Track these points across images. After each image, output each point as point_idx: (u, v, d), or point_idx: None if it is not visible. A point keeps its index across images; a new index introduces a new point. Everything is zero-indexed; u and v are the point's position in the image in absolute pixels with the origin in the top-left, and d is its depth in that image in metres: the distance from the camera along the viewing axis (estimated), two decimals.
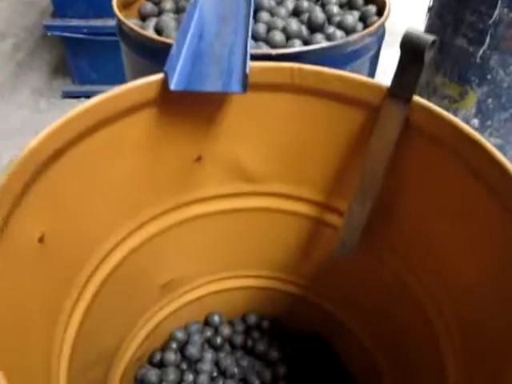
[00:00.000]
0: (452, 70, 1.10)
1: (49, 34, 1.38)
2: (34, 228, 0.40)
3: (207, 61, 0.49)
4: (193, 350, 0.69)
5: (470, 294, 0.45)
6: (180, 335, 0.71)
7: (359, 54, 0.69)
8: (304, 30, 0.73)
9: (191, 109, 0.48)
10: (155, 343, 0.70)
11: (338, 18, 0.77)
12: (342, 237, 0.54)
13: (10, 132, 1.37)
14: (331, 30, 0.74)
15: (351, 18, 0.76)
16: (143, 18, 0.82)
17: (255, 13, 0.76)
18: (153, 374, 0.65)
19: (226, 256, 0.67)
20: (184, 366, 0.68)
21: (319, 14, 0.74)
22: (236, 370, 0.68)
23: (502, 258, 0.40)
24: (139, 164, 0.49)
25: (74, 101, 1.51)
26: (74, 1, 1.34)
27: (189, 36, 0.52)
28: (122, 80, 0.46)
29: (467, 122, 1.06)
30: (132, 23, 0.69)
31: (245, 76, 0.45)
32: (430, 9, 1.12)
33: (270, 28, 0.74)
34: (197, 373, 0.67)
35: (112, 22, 0.90)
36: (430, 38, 0.41)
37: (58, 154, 0.40)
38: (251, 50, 0.50)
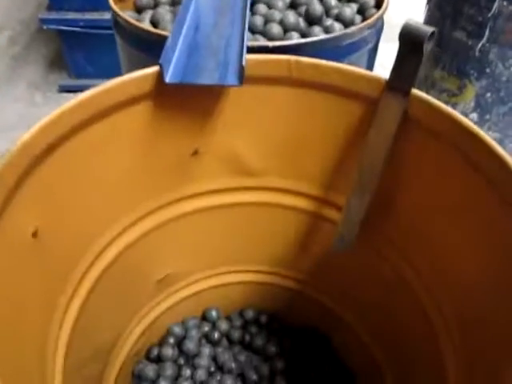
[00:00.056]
0: (451, 63, 1.09)
1: (44, 27, 1.37)
2: (27, 222, 0.39)
3: (203, 53, 0.48)
4: (190, 345, 0.68)
5: (469, 291, 0.45)
6: (177, 330, 0.71)
7: (357, 46, 0.68)
8: (301, 23, 0.73)
9: (187, 102, 0.47)
10: (152, 338, 0.69)
11: (335, 11, 0.77)
12: (341, 231, 0.53)
13: (5, 126, 1.36)
14: (329, 22, 0.73)
15: (349, 10, 0.75)
16: (139, 10, 0.81)
17: (252, 5, 0.76)
18: (150, 370, 0.65)
19: (223, 251, 0.67)
20: (181, 361, 0.68)
21: (317, 7, 0.74)
22: (233, 364, 0.67)
23: (501, 251, 0.40)
24: (135, 158, 0.48)
25: (70, 95, 1.50)
26: None
27: (185, 28, 0.51)
28: (118, 73, 0.45)
29: (466, 115, 1.06)
30: (127, 16, 0.68)
31: (241, 68, 0.44)
32: (429, 1, 1.11)
33: (267, 20, 0.73)
34: (194, 368, 0.67)
35: (108, 15, 0.89)
36: (429, 29, 0.40)
37: (51, 148, 0.39)
38: (248, 43, 0.49)
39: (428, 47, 0.41)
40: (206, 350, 0.69)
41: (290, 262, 0.68)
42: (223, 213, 0.61)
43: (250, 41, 0.67)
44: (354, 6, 0.80)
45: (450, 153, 0.42)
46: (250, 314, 0.75)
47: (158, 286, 0.64)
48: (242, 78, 0.44)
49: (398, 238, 0.53)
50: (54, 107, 0.39)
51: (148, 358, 0.69)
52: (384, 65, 0.85)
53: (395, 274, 0.54)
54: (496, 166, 0.38)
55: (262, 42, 0.69)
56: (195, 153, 0.52)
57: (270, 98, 0.50)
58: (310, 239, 0.63)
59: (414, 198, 0.49)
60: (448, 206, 0.45)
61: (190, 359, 0.68)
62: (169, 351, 0.68)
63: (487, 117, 1.11)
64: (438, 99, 0.43)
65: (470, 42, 1.03)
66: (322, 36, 0.66)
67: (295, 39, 0.68)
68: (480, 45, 1.02)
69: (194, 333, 0.71)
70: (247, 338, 0.72)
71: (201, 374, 0.65)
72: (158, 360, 0.68)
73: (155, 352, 0.69)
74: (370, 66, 0.78)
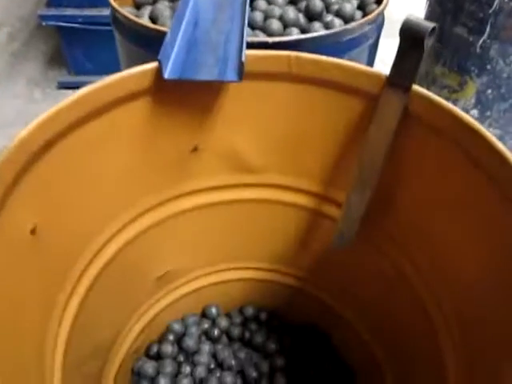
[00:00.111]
0: (451, 59, 1.09)
1: (43, 23, 1.37)
2: (25, 219, 0.39)
3: (202, 49, 0.48)
4: (190, 342, 0.68)
5: (469, 288, 0.44)
6: (177, 327, 0.71)
7: (358, 42, 0.68)
8: (301, 19, 0.72)
9: (186, 98, 0.47)
10: (152, 335, 0.69)
11: (336, 7, 0.76)
12: (341, 228, 0.53)
13: (4, 122, 1.35)
14: (329, 18, 0.73)
15: (349, 6, 0.75)
16: (138, 6, 0.80)
17: (252, 1, 0.75)
18: (150, 367, 0.65)
19: (223, 248, 0.67)
20: (181, 358, 0.68)
21: (317, 2, 0.73)
22: (233, 361, 0.67)
23: (502, 248, 0.40)
24: (133, 155, 0.48)
25: (69, 91, 1.50)
26: None
27: (184, 24, 0.51)
28: (117, 70, 0.44)
29: (466, 112, 1.06)
30: (126, 11, 0.68)
31: (241, 64, 0.44)
32: None
33: (266, 16, 0.72)
34: (194, 365, 0.67)
35: (107, 11, 0.89)
36: (430, 24, 0.40)
37: (49, 145, 0.39)
38: (248, 38, 0.49)
39: (429, 43, 0.41)
40: (206, 347, 0.69)
41: (290, 259, 0.68)
42: (223, 209, 0.60)
43: (250, 36, 0.67)
44: (355, 2, 0.80)
45: (451, 149, 0.42)
46: (249, 311, 0.74)
47: (157, 283, 0.64)
48: (242, 73, 0.44)
49: (398, 235, 0.53)
50: (53, 104, 0.38)
51: (147, 355, 0.69)
52: (385, 61, 0.85)
53: (395, 271, 0.54)
54: (497, 162, 0.38)
55: (261, 37, 0.68)
56: (195, 149, 0.52)
57: (270, 94, 0.49)
58: (310, 236, 0.63)
59: (414, 195, 0.48)
60: (448, 203, 0.45)
61: (190, 356, 0.68)
62: (168, 348, 0.68)
63: (488, 113, 1.11)
64: (439, 95, 0.42)
65: (470, 39, 1.03)
66: (322, 32, 0.65)
67: (295, 35, 0.68)
68: (481, 41, 1.02)
69: (193, 330, 0.71)
70: (247, 335, 0.72)
71: (200, 371, 0.65)
72: (158, 357, 0.68)
73: (155, 349, 0.69)
74: (371, 62, 0.77)
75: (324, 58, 0.46)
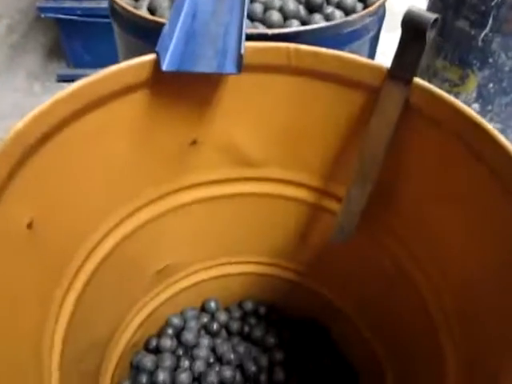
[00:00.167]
0: (453, 53, 1.08)
1: (42, 15, 1.36)
2: (22, 213, 0.39)
3: (201, 41, 0.47)
4: (189, 336, 0.68)
5: (471, 285, 0.44)
6: (176, 321, 0.70)
7: (359, 34, 0.67)
8: (302, 10, 0.71)
9: (185, 90, 0.46)
10: (151, 329, 0.69)
11: None
12: (341, 222, 0.53)
13: (3, 115, 1.35)
14: (330, 9, 0.72)
15: None
16: None
17: None
18: (148, 360, 0.65)
19: (223, 242, 0.67)
20: (180, 352, 0.68)
21: None
22: (232, 356, 0.67)
23: (504, 241, 0.39)
24: (131, 148, 0.47)
25: (69, 85, 1.49)
26: None
27: (182, 15, 0.50)
28: (116, 62, 0.44)
29: (468, 106, 1.05)
30: (124, 3, 0.67)
31: (240, 56, 0.43)
32: None
33: (266, 8, 0.72)
34: (193, 359, 0.67)
35: (105, 3, 0.87)
36: (433, 16, 0.39)
37: (45, 138, 0.38)
38: (247, 30, 0.48)
39: (431, 35, 0.40)
40: (205, 341, 0.69)
41: (291, 254, 0.68)
42: (223, 203, 0.60)
43: (249, 28, 0.66)
44: None
45: (452, 142, 0.42)
46: (249, 305, 0.74)
47: (156, 277, 0.64)
48: (241, 66, 0.43)
49: (398, 229, 0.52)
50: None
51: (147, 348, 0.69)
52: (386, 53, 0.84)
53: (396, 266, 0.54)
54: (499, 155, 0.38)
55: (261, 29, 0.68)
56: (193, 142, 0.52)
57: (270, 86, 0.49)
58: (310, 230, 0.63)
59: (415, 188, 0.48)
60: (450, 196, 0.44)
61: (189, 350, 0.68)
62: (167, 342, 0.67)
63: (489, 107, 1.10)
64: (440, 89, 0.42)
65: (472, 32, 1.02)
66: (323, 24, 0.65)
67: (295, 27, 0.67)
68: (483, 34, 1.01)
69: (192, 324, 0.70)
70: (246, 329, 0.72)
71: (199, 365, 0.65)
72: (157, 351, 0.68)
73: (154, 343, 0.69)
74: (372, 55, 0.77)
75: (324, 50, 0.46)
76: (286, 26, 0.68)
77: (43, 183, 0.40)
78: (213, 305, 0.73)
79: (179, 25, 0.48)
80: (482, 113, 1.10)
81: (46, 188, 0.41)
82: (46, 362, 0.41)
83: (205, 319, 0.72)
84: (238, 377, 0.66)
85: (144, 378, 0.64)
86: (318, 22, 0.69)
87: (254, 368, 0.66)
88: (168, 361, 0.65)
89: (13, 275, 0.39)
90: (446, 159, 0.43)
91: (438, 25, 0.41)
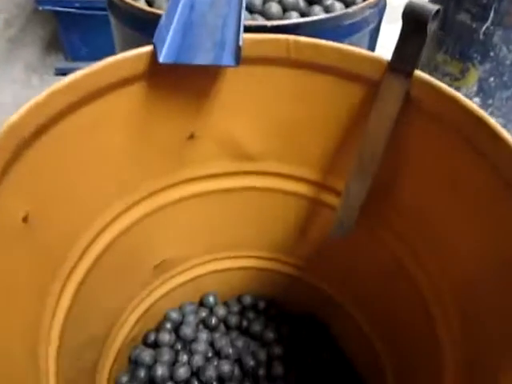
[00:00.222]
0: (454, 46, 1.08)
1: (40, 8, 1.35)
2: (17, 207, 0.38)
3: (199, 32, 0.47)
4: (187, 331, 0.68)
5: (470, 281, 0.44)
6: (174, 315, 0.70)
7: (358, 27, 0.66)
8: (301, 2, 0.71)
9: (182, 82, 0.46)
10: (149, 324, 0.69)
11: None
12: (340, 217, 0.52)
13: (1, 108, 1.34)
14: (329, 1, 0.71)
15: None
16: None
17: None
18: (147, 355, 0.65)
19: (222, 236, 0.66)
20: (178, 347, 0.68)
21: None
22: (231, 350, 0.67)
23: (504, 236, 0.39)
24: (128, 142, 0.47)
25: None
26: None
27: (180, 6, 0.49)
28: (114, 55, 0.44)
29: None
30: None
31: (238, 48, 0.42)
32: None
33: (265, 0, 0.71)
34: (191, 353, 0.67)
35: None
36: (434, 7, 0.39)
37: (40, 131, 0.38)
38: (246, 22, 0.47)
39: (432, 27, 0.40)
40: (203, 336, 0.69)
41: (290, 248, 0.67)
42: (221, 197, 0.60)
43: (248, 20, 0.65)
44: None
45: (453, 136, 0.41)
46: (247, 299, 0.74)
47: (154, 272, 0.63)
48: (239, 58, 0.43)
49: (398, 224, 0.52)
50: None
51: (145, 343, 0.69)
52: (386, 46, 0.83)
53: (396, 262, 0.53)
54: (501, 149, 0.37)
55: (260, 21, 0.67)
56: (191, 136, 0.51)
57: (268, 79, 0.48)
58: (309, 225, 0.62)
59: (415, 182, 0.48)
60: (450, 190, 0.44)
61: (187, 344, 0.68)
62: (166, 336, 0.67)
63: (490, 101, 1.10)
64: None
65: (474, 25, 1.01)
66: (322, 15, 0.64)
67: (294, 19, 0.66)
68: (484, 27, 1.00)
69: (191, 318, 0.70)
70: (245, 323, 0.72)
71: (198, 360, 0.65)
72: (155, 345, 0.68)
73: (152, 337, 0.68)
74: (372, 48, 0.76)
75: (323, 42, 0.45)
76: (286, 18, 0.68)
77: (38, 177, 0.40)
78: (211, 299, 0.73)
79: (177, 16, 0.48)
80: (483, 107, 1.09)
81: (42, 181, 0.40)
82: (43, 357, 0.41)
83: (203, 313, 0.72)
84: (237, 371, 0.66)
85: (142, 373, 0.63)
86: (318, 14, 0.69)
87: (252, 362, 0.66)
88: (166, 355, 0.65)
89: (8, 269, 0.38)
90: (446, 153, 0.43)
91: (439, 18, 0.40)
